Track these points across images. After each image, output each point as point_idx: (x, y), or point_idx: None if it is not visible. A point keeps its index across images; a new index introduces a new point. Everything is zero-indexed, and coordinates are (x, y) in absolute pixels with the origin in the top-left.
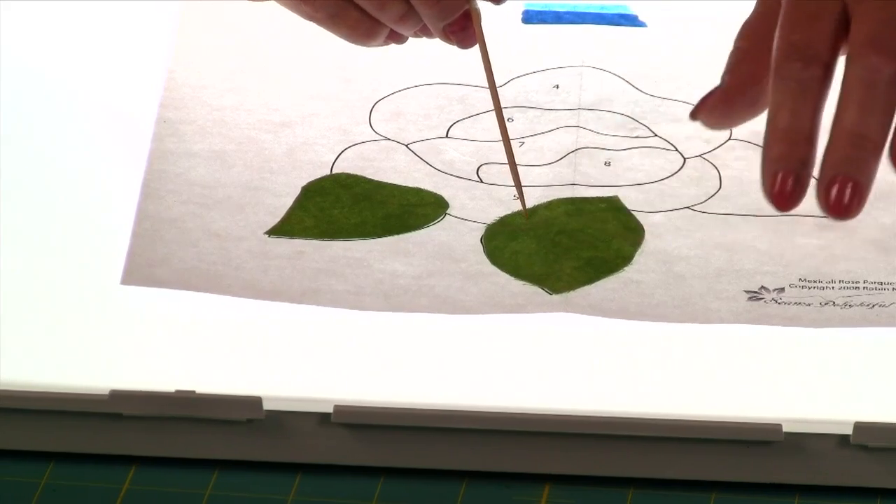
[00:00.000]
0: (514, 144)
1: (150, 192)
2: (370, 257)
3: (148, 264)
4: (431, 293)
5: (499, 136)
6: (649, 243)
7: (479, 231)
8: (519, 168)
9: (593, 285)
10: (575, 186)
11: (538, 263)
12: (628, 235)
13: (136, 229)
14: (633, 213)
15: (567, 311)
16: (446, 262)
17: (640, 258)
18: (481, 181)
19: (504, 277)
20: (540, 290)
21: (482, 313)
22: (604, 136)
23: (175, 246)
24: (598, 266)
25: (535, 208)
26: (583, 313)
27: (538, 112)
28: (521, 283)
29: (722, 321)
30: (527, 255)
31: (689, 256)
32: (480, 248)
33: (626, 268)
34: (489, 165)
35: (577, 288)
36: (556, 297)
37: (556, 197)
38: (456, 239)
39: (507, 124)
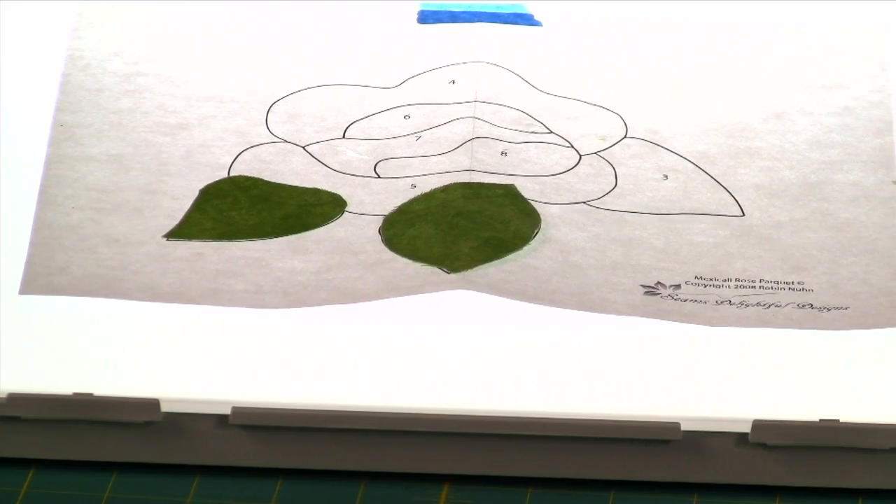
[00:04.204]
0: (411, 139)
1: (48, 198)
2: (269, 256)
3: (46, 273)
4: (330, 286)
5: (396, 133)
6: (545, 233)
7: (378, 223)
8: (416, 159)
9: (491, 265)
10: (472, 173)
11: (436, 245)
12: (525, 219)
13: (34, 238)
14: (529, 201)
15: (465, 289)
16: (345, 255)
17: (536, 245)
18: (379, 177)
19: (402, 262)
20: (438, 271)
21: (380, 298)
22: (500, 129)
23: (73, 253)
24: (497, 245)
25: (433, 192)
26: (480, 291)
27: (434, 107)
28: (420, 265)
29: (619, 313)
30: (425, 239)
31: (585, 248)
32: (379, 238)
33: (524, 248)
34: (386, 161)
35: (475, 267)
36: (453, 275)
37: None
38: (354, 233)
39: (404, 122)
